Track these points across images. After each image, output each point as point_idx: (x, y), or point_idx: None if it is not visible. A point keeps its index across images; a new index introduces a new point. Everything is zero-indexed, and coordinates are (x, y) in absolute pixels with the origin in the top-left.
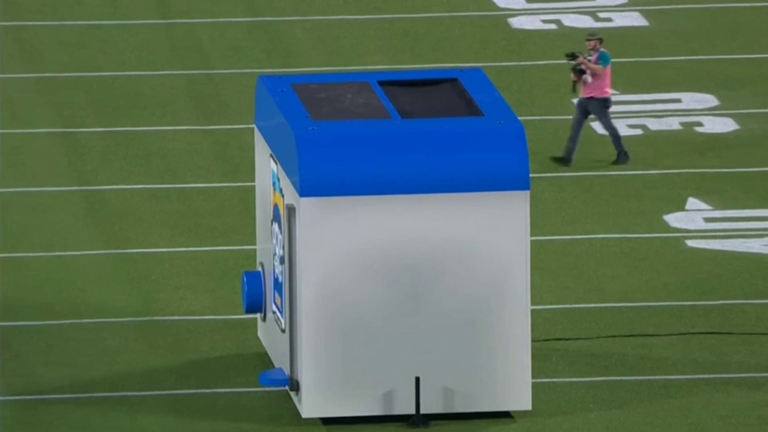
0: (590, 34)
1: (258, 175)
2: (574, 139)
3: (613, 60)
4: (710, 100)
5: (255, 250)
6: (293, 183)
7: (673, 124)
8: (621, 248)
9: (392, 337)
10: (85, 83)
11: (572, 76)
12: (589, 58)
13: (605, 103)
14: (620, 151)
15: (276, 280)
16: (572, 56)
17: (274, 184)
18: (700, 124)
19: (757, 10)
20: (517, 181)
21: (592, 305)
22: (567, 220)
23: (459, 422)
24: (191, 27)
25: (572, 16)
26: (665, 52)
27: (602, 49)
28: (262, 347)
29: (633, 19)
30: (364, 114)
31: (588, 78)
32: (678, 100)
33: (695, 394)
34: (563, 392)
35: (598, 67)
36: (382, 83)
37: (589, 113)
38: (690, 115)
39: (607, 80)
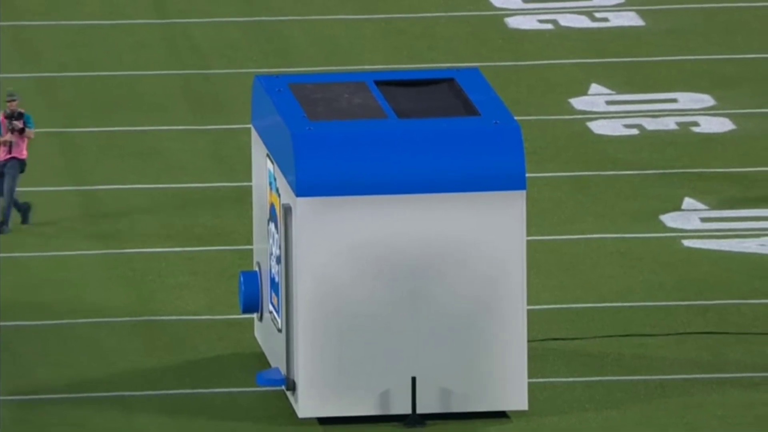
0: (10, 95)
1: (254, 175)
2: (9, 204)
3: (610, 60)
4: (706, 99)
5: (252, 249)
6: (290, 183)
7: (670, 123)
8: (617, 248)
9: (388, 336)
10: (81, 82)
11: (12, 136)
12: (15, 121)
13: (23, 165)
14: (4, 221)
15: (273, 279)
16: (16, 116)
17: (270, 183)
18: (696, 124)
19: (754, 9)
20: (513, 181)
21: (589, 305)
22: (563, 220)
23: (455, 422)
24: (188, 27)
25: (569, 16)
26: (661, 52)
27: (21, 110)
28: (259, 347)
29: (629, 19)
30: (361, 114)
31: (13, 139)
32: (674, 100)
33: (691, 394)
34: (560, 392)
35: (31, 131)
36: (378, 83)
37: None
38: (686, 114)
39: (27, 142)
